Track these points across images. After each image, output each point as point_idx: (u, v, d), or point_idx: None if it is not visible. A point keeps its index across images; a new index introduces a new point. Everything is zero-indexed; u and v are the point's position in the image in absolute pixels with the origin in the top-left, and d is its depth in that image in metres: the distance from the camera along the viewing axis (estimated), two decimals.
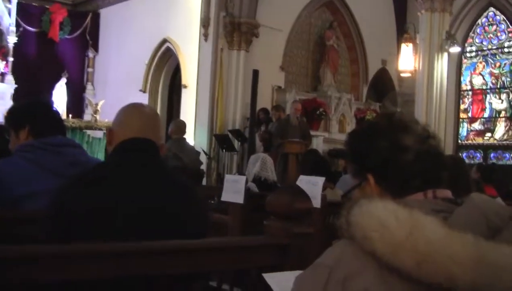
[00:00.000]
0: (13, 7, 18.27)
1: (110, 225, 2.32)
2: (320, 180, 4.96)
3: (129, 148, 2.64)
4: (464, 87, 17.86)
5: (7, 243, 1.90)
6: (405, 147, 1.76)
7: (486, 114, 17.59)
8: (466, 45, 17.73)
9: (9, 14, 18.22)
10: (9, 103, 15.59)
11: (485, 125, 17.62)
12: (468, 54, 17.84)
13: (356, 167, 1.89)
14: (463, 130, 17.90)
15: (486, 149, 17.36)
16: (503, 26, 17.42)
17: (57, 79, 19.17)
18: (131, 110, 2.80)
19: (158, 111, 18.30)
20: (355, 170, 1.89)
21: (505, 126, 17.16)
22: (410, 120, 1.86)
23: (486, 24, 17.80)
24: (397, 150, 1.77)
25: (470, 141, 17.79)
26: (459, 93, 17.68)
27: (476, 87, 17.72)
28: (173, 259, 2.16)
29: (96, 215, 2.35)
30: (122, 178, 2.51)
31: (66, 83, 19.43)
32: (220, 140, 15.39)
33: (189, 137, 13.86)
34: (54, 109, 3.70)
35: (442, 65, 14.99)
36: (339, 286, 1.52)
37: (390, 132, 1.80)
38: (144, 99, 16.58)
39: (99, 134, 16.55)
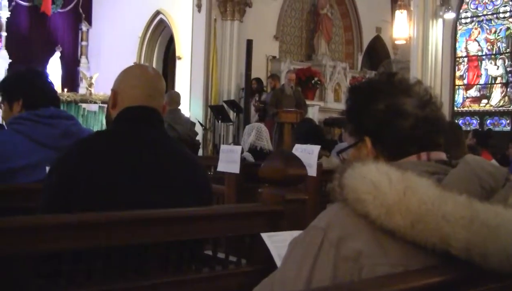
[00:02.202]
0: None
1: (113, 198, 2.30)
2: (315, 148, 4.94)
3: (134, 117, 2.61)
4: (459, 54, 17.77)
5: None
6: (403, 112, 1.73)
7: (482, 81, 17.54)
8: (461, 11, 17.62)
9: None
10: (3, 77, 15.51)
11: (481, 92, 17.57)
12: (463, 21, 17.73)
13: (353, 126, 1.86)
14: (458, 97, 17.85)
15: (482, 115, 17.33)
16: None
17: (51, 53, 19.11)
18: (136, 73, 2.77)
19: None
20: (352, 129, 1.86)
21: (501, 93, 17.11)
22: (412, 81, 1.81)
23: None
24: (395, 115, 1.73)
25: (466, 108, 17.74)
26: (454, 60, 17.60)
27: (471, 53, 17.64)
28: (167, 227, 2.16)
29: (98, 188, 2.32)
30: (126, 151, 2.47)
31: (60, 57, 19.37)
32: (216, 111, 15.38)
33: (185, 109, 13.84)
34: (48, 80, 3.65)
35: (436, 32, 14.95)
36: (332, 249, 1.51)
37: (389, 94, 1.76)
38: None
39: (94, 107, 16.52)
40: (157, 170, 2.47)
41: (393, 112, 1.74)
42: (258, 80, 15.37)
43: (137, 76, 2.71)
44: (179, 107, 9.72)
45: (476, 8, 17.56)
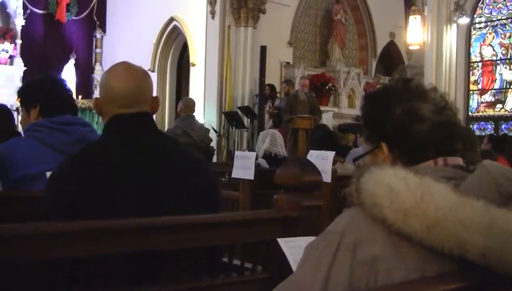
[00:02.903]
0: None
1: (112, 210, 2.22)
2: (330, 154, 4.94)
3: (123, 126, 2.53)
4: (473, 58, 17.74)
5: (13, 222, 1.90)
6: (420, 117, 1.72)
7: (496, 86, 17.48)
8: (475, 16, 17.58)
9: None
10: (19, 85, 15.61)
11: (496, 97, 17.52)
12: (477, 25, 17.70)
13: (370, 133, 1.85)
14: (473, 102, 17.81)
15: (497, 120, 17.27)
16: None
17: (66, 61, 19.22)
18: (118, 74, 2.61)
19: (167, 90, 18.39)
20: (369, 136, 1.85)
21: None
22: (428, 87, 1.81)
23: None
24: (412, 119, 1.73)
25: (480, 113, 17.69)
26: (468, 65, 17.56)
27: (486, 58, 17.59)
28: (182, 234, 2.15)
29: (97, 200, 2.28)
30: (121, 162, 2.40)
31: (75, 64, 19.48)
32: (230, 117, 15.39)
33: (199, 115, 13.87)
34: (66, 87, 3.65)
35: (451, 37, 14.91)
36: (349, 253, 1.51)
37: (406, 99, 1.76)
38: (153, 78, 16.50)
39: None
40: (152, 176, 2.40)
41: (410, 116, 1.73)
42: (271, 86, 15.39)
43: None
44: (194, 114, 9.73)
45: (490, 13, 17.52)
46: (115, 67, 2.66)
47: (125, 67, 2.65)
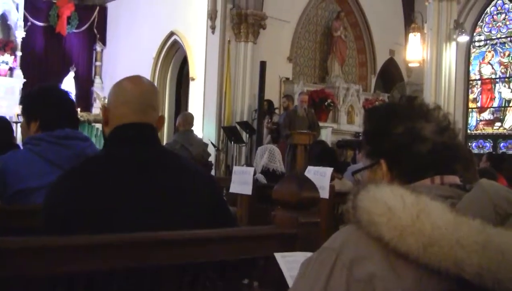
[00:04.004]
0: (21, 2, 18.37)
1: (107, 227, 2.19)
2: (328, 171, 4.94)
3: (127, 138, 2.51)
4: (473, 76, 17.78)
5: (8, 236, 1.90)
6: (422, 137, 1.72)
7: (495, 104, 17.51)
8: (474, 34, 17.65)
9: (17, 9, 18.30)
10: (18, 97, 15.65)
11: (495, 115, 17.54)
12: (476, 44, 17.75)
13: (370, 148, 1.85)
14: (472, 120, 17.84)
15: (495, 138, 17.29)
16: None
17: (65, 73, 19.31)
18: (126, 87, 2.62)
19: (166, 104, 18.40)
20: (369, 151, 1.85)
21: None
22: (432, 106, 1.80)
23: (495, 12, 17.71)
24: (414, 139, 1.73)
25: (479, 131, 17.72)
26: (467, 83, 17.60)
27: (485, 76, 17.64)
28: (179, 249, 2.15)
29: (92, 217, 2.25)
30: (120, 177, 2.38)
31: (74, 77, 19.57)
32: (228, 132, 15.41)
33: (198, 130, 13.87)
34: (70, 99, 3.61)
35: (450, 55, 14.93)
36: (345, 270, 1.50)
37: (408, 118, 1.75)
38: None
39: None
40: (153, 193, 2.38)
41: (412, 136, 1.73)
42: (269, 101, 15.42)
43: (128, 91, 2.60)
44: (192, 129, 9.73)
45: (490, 31, 17.58)
46: (123, 81, 2.67)
47: (138, 76, 2.70)
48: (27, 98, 3.61)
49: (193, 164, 2.71)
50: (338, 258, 1.53)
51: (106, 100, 2.69)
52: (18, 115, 13.57)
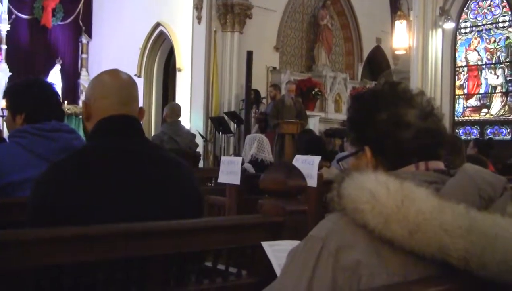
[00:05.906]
0: None
1: (90, 220, 2.16)
2: (316, 159, 4.93)
3: (110, 130, 2.50)
4: (459, 63, 17.77)
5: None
6: (406, 123, 1.72)
7: (482, 90, 17.53)
8: (460, 21, 17.63)
9: (1, 2, 18.15)
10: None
11: (481, 101, 17.56)
12: (462, 30, 17.74)
13: (355, 135, 1.84)
14: (459, 107, 17.84)
15: (482, 124, 17.31)
16: (497, 1, 17.29)
17: (51, 66, 19.19)
18: (106, 80, 2.62)
19: (153, 95, 18.36)
20: (353, 138, 1.85)
21: (501, 102, 17.09)
22: (415, 92, 1.80)
23: None
24: (397, 125, 1.72)
25: (466, 118, 17.73)
26: (454, 70, 17.60)
27: (471, 63, 17.63)
28: (167, 239, 2.15)
29: (76, 210, 2.24)
30: (109, 169, 2.37)
31: (60, 70, 19.46)
32: (216, 122, 15.40)
33: (185, 121, 13.86)
34: (54, 92, 3.58)
35: (436, 42, 14.97)
36: (331, 258, 1.51)
37: (392, 104, 1.75)
38: (139, 83, 16.49)
39: None
40: (140, 184, 2.38)
41: (395, 123, 1.73)
42: (256, 91, 15.40)
43: (108, 84, 2.60)
44: (180, 119, 9.71)
45: (476, 18, 17.57)
46: (102, 74, 2.67)
47: (115, 69, 2.70)
48: (11, 91, 3.58)
49: (174, 156, 2.68)
50: (324, 246, 1.53)
51: (85, 94, 2.66)
52: (2, 109, 13.47)
